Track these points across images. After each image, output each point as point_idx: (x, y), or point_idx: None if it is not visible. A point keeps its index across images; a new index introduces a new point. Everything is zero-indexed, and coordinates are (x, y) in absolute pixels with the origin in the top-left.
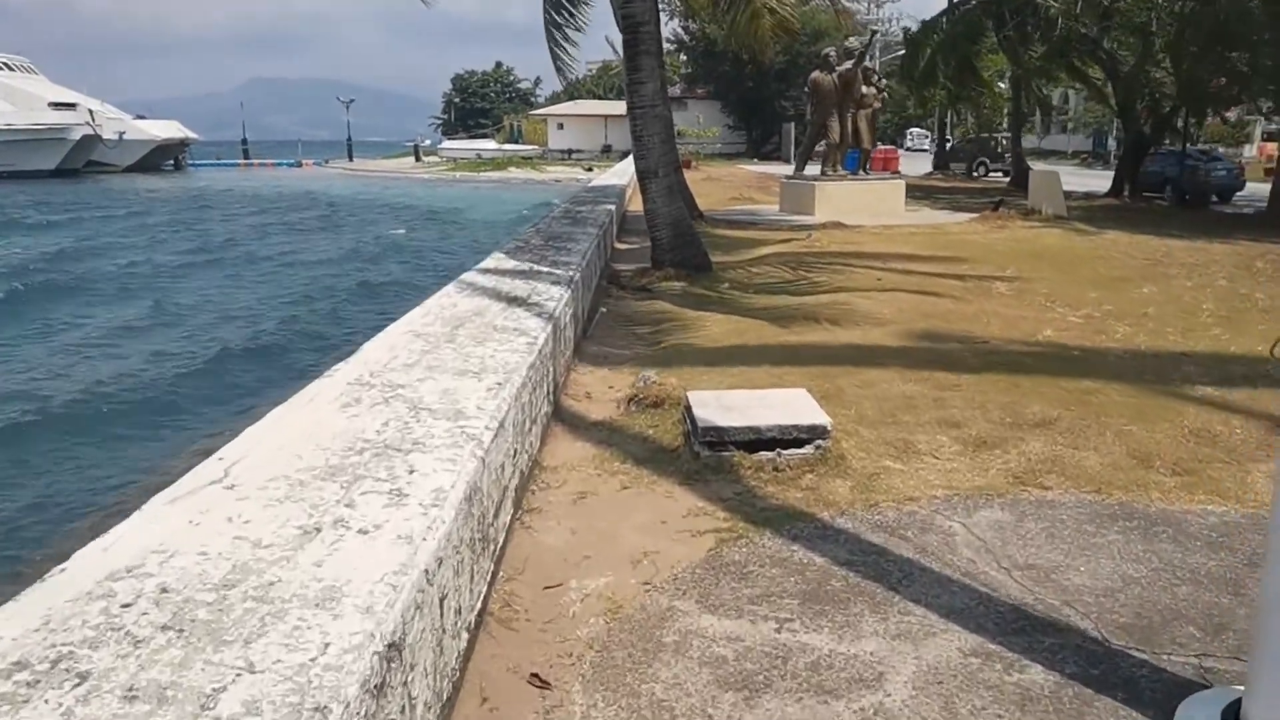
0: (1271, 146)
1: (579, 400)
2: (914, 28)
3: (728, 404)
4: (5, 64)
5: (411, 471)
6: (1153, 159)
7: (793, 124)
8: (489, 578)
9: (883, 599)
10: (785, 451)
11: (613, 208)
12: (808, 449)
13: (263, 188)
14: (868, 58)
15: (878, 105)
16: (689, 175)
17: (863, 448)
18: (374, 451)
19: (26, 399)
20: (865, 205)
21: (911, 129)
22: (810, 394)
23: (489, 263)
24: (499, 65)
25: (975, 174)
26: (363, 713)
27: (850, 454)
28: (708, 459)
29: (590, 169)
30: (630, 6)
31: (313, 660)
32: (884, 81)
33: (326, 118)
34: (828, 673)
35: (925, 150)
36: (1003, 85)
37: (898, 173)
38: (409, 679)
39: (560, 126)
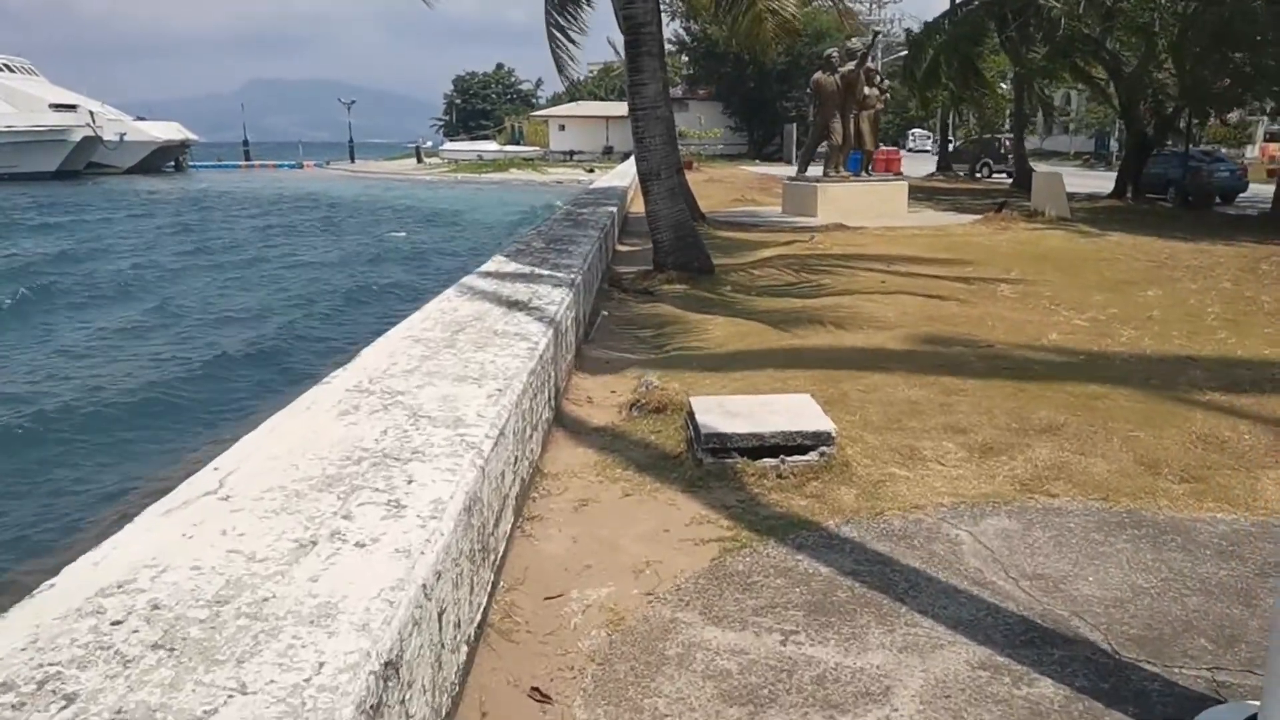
0: (1274, 147)
1: (580, 405)
2: (916, 29)
3: (731, 410)
4: (6, 65)
5: (410, 482)
6: (1155, 160)
7: (794, 125)
8: (489, 588)
9: (889, 610)
10: (789, 458)
11: (614, 210)
12: (812, 456)
13: (264, 189)
14: (870, 59)
15: (880, 106)
16: (690, 177)
17: (868, 454)
18: (372, 461)
19: (23, 403)
20: (868, 207)
21: (913, 130)
22: (814, 399)
23: (489, 266)
24: (500, 66)
25: (978, 175)
26: None
27: (855, 461)
28: (711, 466)
29: (592, 170)
30: (632, 7)
31: (307, 681)
32: (886, 83)
33: (327, 119)
34: (834, 686)
35: (927, 151)
36: (1004, 86)
37: (900, 174)
38: (406, 697)
39: (562, 128)
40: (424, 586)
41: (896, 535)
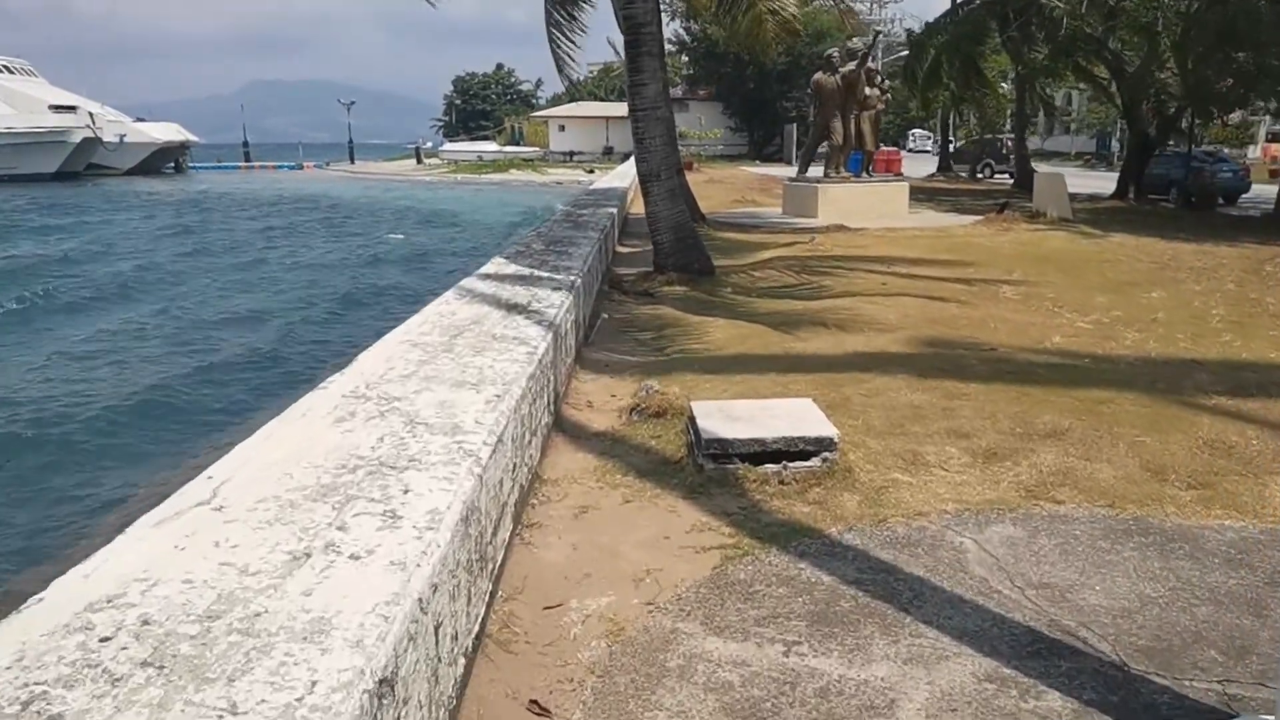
0: (1276, 148)
1: (580, 409)
2: (917, 28)
3: (732, 415)
4: (5, 67)
5: (406, 491)
6: (1158, 161)
7: (795, 125)
8: (487, 598)
9: (893, 620)
10: (791, 464)
11: (614, 211)
12: (814, 461)
13: (263, 191)
14: (871, 59)
15: (881, 107)
16: (691, 177)
17: (870, 459)
18: (368, 470)
19: (21, 406)
20: (869, 208)
21: (914, 130)
22: (816, 403)
23: (489, 268)
24: (500, 67)
25: (980, 176)
26: None
27: (858, 466)
28: (712, 471)
29: (592, 171)
30: (632, 7)
31: (299, 700)
32: (887, 83)
33: (327, 120)
34: (838, 699)
35: (928, 151)
36: (1005, 86)
37: (901, 175)
38: (402, 714)
39: (562, 128)
40: (420, 600)
41: (900, 543)
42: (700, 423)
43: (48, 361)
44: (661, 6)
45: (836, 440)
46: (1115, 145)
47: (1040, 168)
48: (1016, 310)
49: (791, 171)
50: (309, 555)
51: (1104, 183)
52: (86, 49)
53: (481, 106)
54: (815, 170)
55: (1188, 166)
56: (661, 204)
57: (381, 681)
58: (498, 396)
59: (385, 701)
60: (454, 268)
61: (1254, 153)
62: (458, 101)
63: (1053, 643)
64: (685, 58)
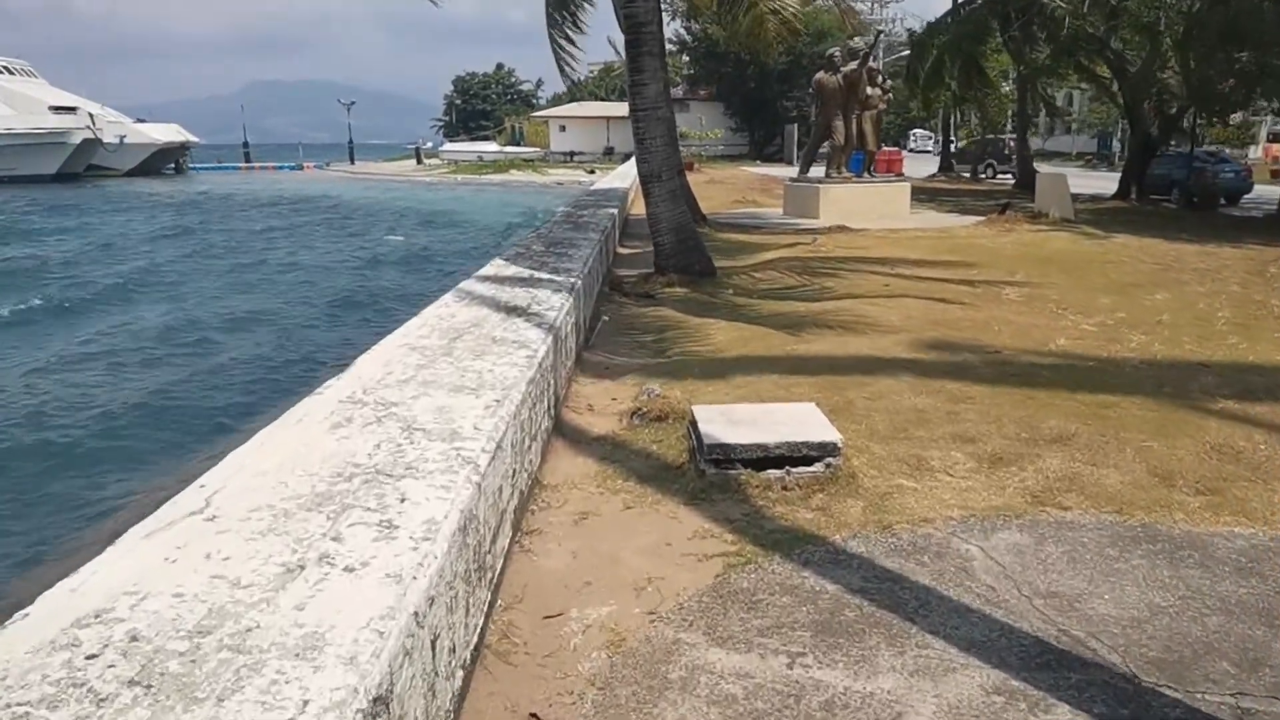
0: (1277, 148)
1: (581, 413)
2: (918, 28)
3: (734, 419)
4: (5, 68)
5: (403, 500)
6: (1160, 161)
7: (795, 125)
8: (486, 608)
9: (899, 630)
10: (794, 470)
11: (615, 211)
12: (818, 467)
13: (263, 191)
14: (872, 58)
15: (883, 106)
16: (691, 178)
17: (874, 465)
18: (364, 478)
19: (13, 410)
20: (870, 208)
21: (914, 130)
22: (819, 407)
23: (488, 270)
24: (500, 67)
25: (982, 176)
26: None
27: (862, 472)
28: (714, 477)
29: (592, 171)
30: (633, 6)
31: None
32: (889, 82)
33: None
34: (843, 713)
35: (928, 152)
36: (1006, 86)
37: (902, 175)
38: None
39: (562, 128)
40: (416, 614)
41: (905, 550)
42: (702, 427)
43: (46, 365)
44: (662, 6)
45: (840, 445)
46: (1116, 145)
47: (1041, 168)
48: (1020, 312)
49: (792, 172)
50: (302, 567)
51: (1105, 183)
52: (86, 49)
53: (482, 106)
54: (817, 170)
55: (1190, 167)
56: (662, 205)
57: (376, 700)
58: (497, 401)
59: None
60: (454, 269)
61: (1255, 153)
62: (458, 101)
63: (1062, 654)
64: (686, 57)
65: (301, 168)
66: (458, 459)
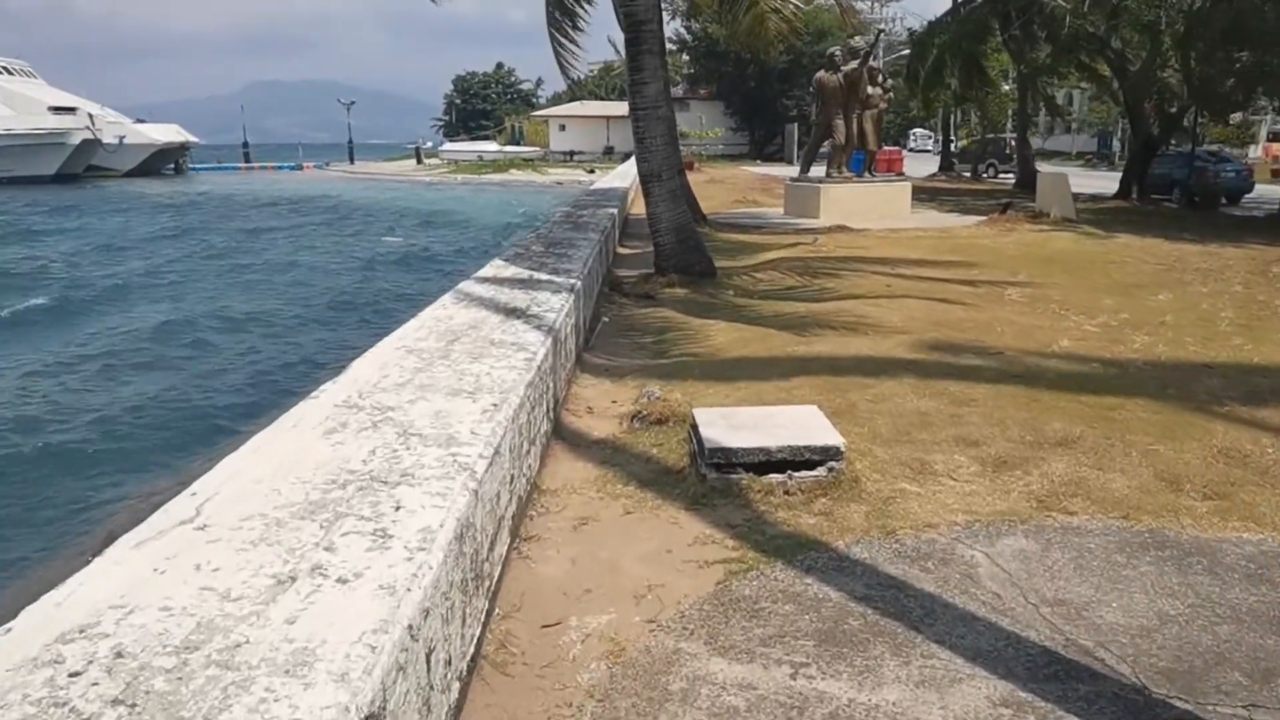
0: (1277, 147)
1: (580, 416)
2: (918, 27)
3: (735, 422)
4: (5, 68)
5: (398, 508)
6: (1160, 160)
7: (796, 125)
8: (483, 617)
9: (904, 640)
10: (797, 474)
11: (614, 212)
12: (820, 471)
13: (263, 192)
14: (873, 57)
15: (884, 106)
16: (691, 177)
17: (877, 469)
18: (358, 485)
19: (7, 412)
20: (871, 208)
21: (914, 130)
22: (821, 410)
23: (487, 271)
24: (500, 66)
25: (984, 176)
26: None
27: (864, 476)
28: (715, 481)
29: (592, 171)
30: (633, 5)
31: None
32: (890, 82)
33: (327, 120)
34: None
35: (929, 151)
36: (1007, 86)
37: (902, 174)
38: None
39: (562, 128)
40: (410, 627)
41: (909, 556)
42: (703, 431)
43: (44, 366)
44: (663, 5)
45: (843, 449)
46: (1116, 145)
47: (1041, 167)
48: (1022, 313)
49: (793, 171)
50: (294, 579)
51: (1106, 182)
52: (86, 49)
53: (482, 106)
54: (817, 170)
55: (1191, 166)
56: (663, 205)
57: (368, 718)
58: (495, 406)
59: None
60: (453, 269)
61: (1255, 152)
62: (458, 101)
63: (1070, 664)
64: (686, 57)
65: (301, 168)
66: (454, 465)
